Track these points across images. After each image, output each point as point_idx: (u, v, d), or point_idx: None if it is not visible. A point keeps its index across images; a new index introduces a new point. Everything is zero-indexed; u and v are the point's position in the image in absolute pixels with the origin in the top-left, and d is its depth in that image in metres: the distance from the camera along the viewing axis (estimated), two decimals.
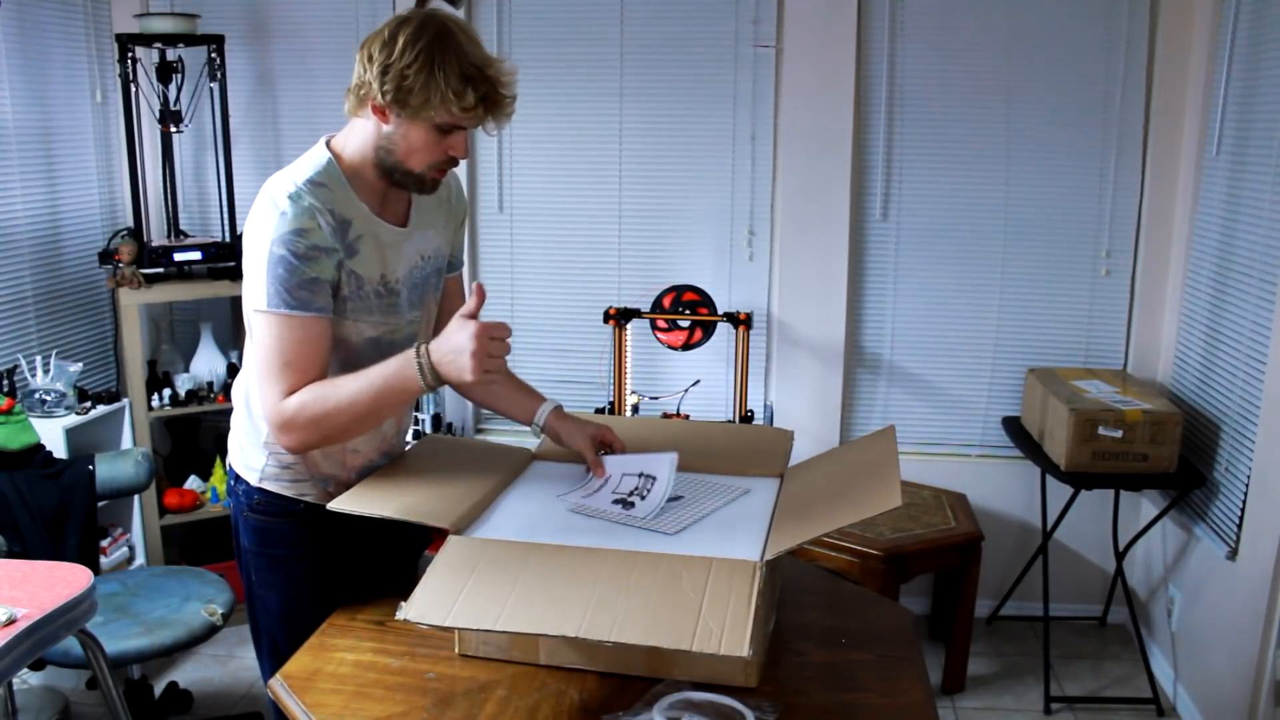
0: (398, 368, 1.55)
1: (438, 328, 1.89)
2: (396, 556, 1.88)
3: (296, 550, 1.75)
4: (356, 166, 1.64)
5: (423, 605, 1.39)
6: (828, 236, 3.38)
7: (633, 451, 1.86)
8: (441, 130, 1.57)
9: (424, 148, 1.58)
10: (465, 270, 2.10)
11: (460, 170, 1.79)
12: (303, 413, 1.55)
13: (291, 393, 1.56)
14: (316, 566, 1.76)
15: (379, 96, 1.53)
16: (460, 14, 3.36)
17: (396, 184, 1.65)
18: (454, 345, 1.50)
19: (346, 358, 1.69)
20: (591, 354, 3.55)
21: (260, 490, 1.74)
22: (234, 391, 1.80)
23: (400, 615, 1.37)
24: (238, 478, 1.77)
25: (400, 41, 1.51)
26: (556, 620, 1.35)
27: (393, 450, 1.84)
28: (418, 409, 3.44)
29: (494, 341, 1.50)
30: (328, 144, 1.66)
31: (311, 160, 1.63)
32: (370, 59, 1.53)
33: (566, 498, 1.74)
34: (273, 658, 1.79)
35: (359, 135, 1.62)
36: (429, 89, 1.51)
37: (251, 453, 1.75)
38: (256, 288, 1.55)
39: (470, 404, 3.61)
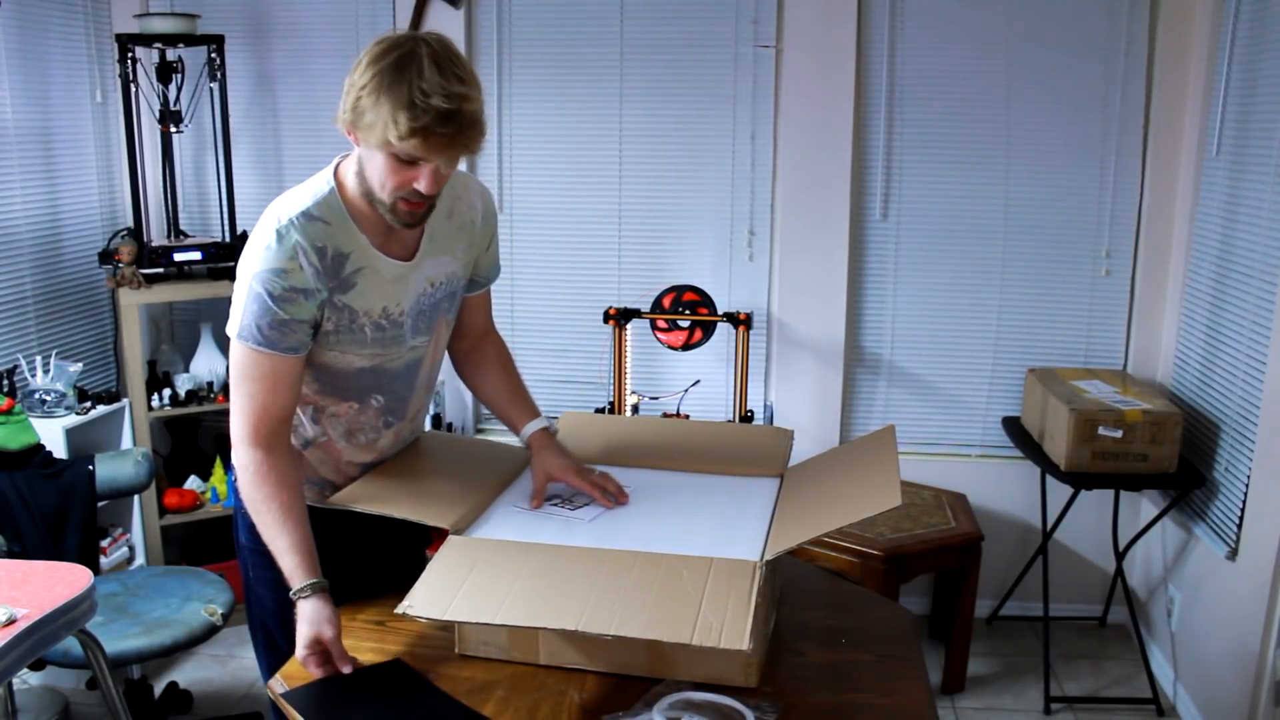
0: (292, 570, 1.53)
1: (456, 338, 1.91)
2: (397, 556, 1.88)
3: None
4: (355, 196, 1.59)
5: (422, 600, 1.40)
6: (827, 236, 3.38)
7: (632, 455, 1.89)
8: (399, 160, 1.48)
9: (386, 175, 1.50)
10: None
11: (460, 170, 1.77)
12: (242, 472, 1.58)
13: (254, 428, 1.58)
14: None
15: (343, 117, 1.49)
16: (460, 15, 3.36)
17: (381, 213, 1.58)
18: (314, 626, 1.49)
19: (336, 381, 1.69)
20: (591, 354, 3.55)
21: None
22: None
23: (399, 610, 1.37)
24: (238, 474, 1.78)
25: (365, 61, 1.45)
26: (556, 614, 1.36)
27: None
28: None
29: (315, 659, 1.49)
30: (336, 168, 1.62)
31: (313, 188, 1.60)
32: (349, 81, 1.49)
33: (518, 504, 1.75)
34: (269, 653, 1.80)
35: (354, 162, 1.58)
36: (376, 112, 1.43)
37: None
38: (234, 313, 1.57)
39: (470, 404, 3.62)
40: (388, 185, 1.51)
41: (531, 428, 1.85)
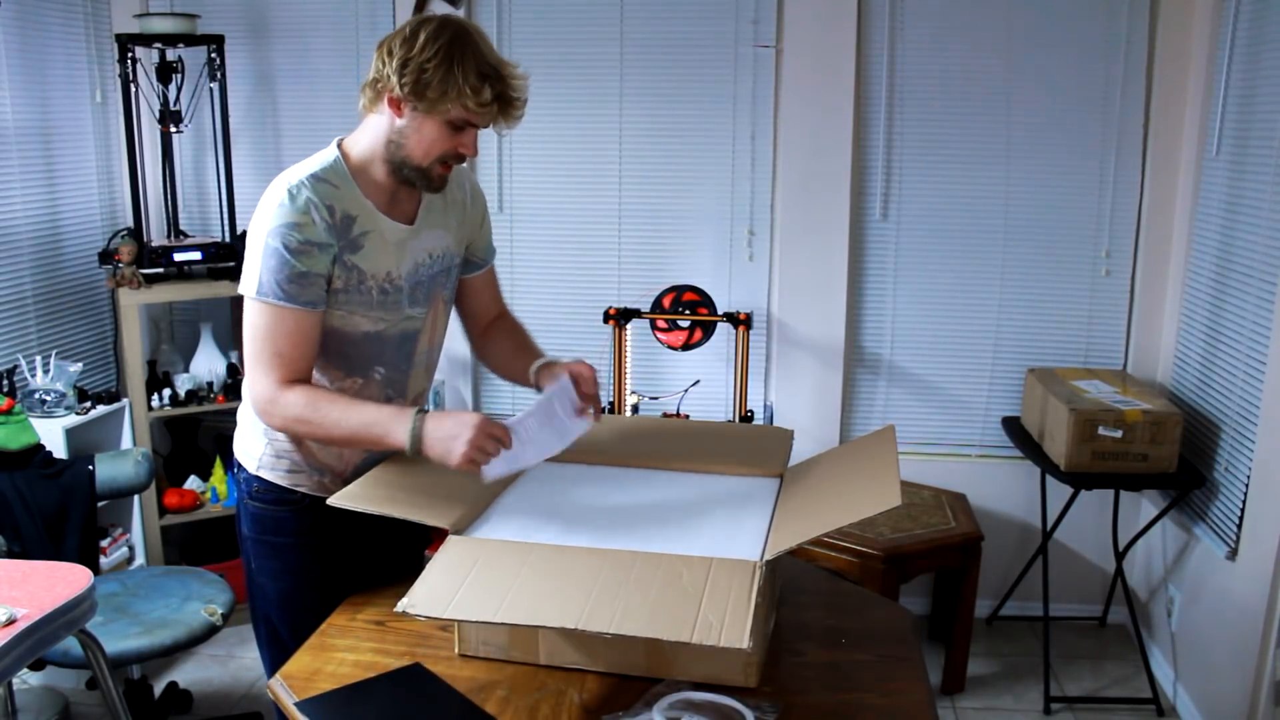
0: (389, 419, 1.60)
1: (470, 320, 1.96)
2: (399, 549, 1.88)
3: (293, 539, 1.78)
4: (364, 164, 1.68)
5: (422, 599, 1.40)
6: (828, 236, 3.38)
7: (632, 455, 1.89)
8: (453, 126, 1.62)
9: (435, 142, 1.63)
10: None
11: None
12: (290, 409, 1.62)
13: (284, 380, 1.62)
14: (313, 555, 1.78)
15: (397, 89, 1.58)
16: (460, 14, 3.37)
17: (405, 180, 1.68)
18: (450, 431, 1.56)
19: (341, 349, 1.72)
20: (591, 354, 3.55)
21: (258, 478, 1.78)
22: (244, 382, 1.83)
23: (400, 608, 1.37)
24: (239, 465, 1.82)
25: (421, 37, 1.57)
26: (556, 613, 1.36)
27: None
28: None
29: (490, 439, 1.56)
30: (339, 144, 1.71)
31: (319, 157, 1.69)
32: (390, 54, 1.59)
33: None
34: (271, 645, 1.81)
35: (370, 132, 1.67)
36: (447, 83, 1.57)
37: (251, 440, 1.79)
38: (251, 274, 1.61)
39: (470, 405, 3.61)
40: (434, 151, 1.63)
41: (537, 364, 1.82)
